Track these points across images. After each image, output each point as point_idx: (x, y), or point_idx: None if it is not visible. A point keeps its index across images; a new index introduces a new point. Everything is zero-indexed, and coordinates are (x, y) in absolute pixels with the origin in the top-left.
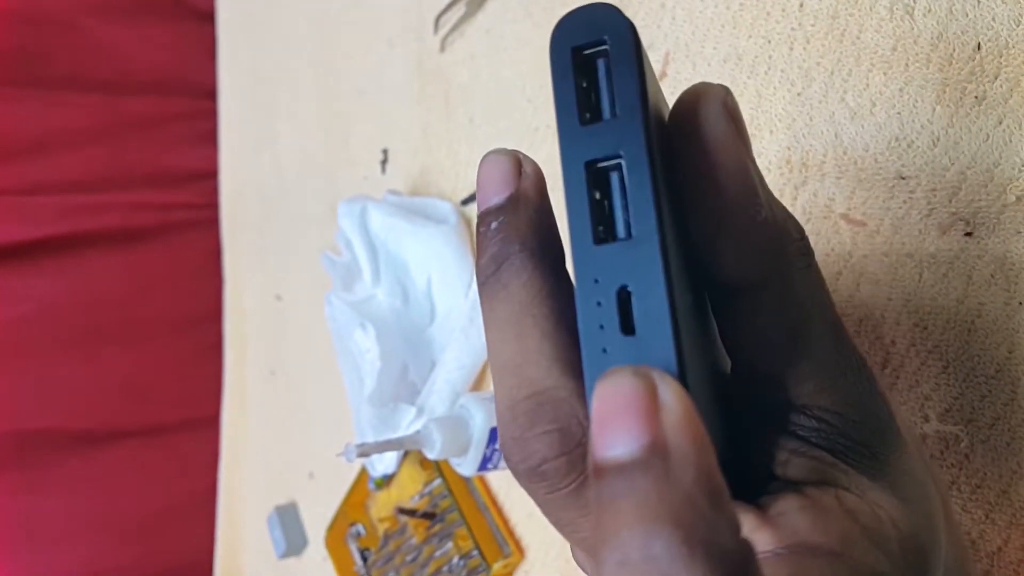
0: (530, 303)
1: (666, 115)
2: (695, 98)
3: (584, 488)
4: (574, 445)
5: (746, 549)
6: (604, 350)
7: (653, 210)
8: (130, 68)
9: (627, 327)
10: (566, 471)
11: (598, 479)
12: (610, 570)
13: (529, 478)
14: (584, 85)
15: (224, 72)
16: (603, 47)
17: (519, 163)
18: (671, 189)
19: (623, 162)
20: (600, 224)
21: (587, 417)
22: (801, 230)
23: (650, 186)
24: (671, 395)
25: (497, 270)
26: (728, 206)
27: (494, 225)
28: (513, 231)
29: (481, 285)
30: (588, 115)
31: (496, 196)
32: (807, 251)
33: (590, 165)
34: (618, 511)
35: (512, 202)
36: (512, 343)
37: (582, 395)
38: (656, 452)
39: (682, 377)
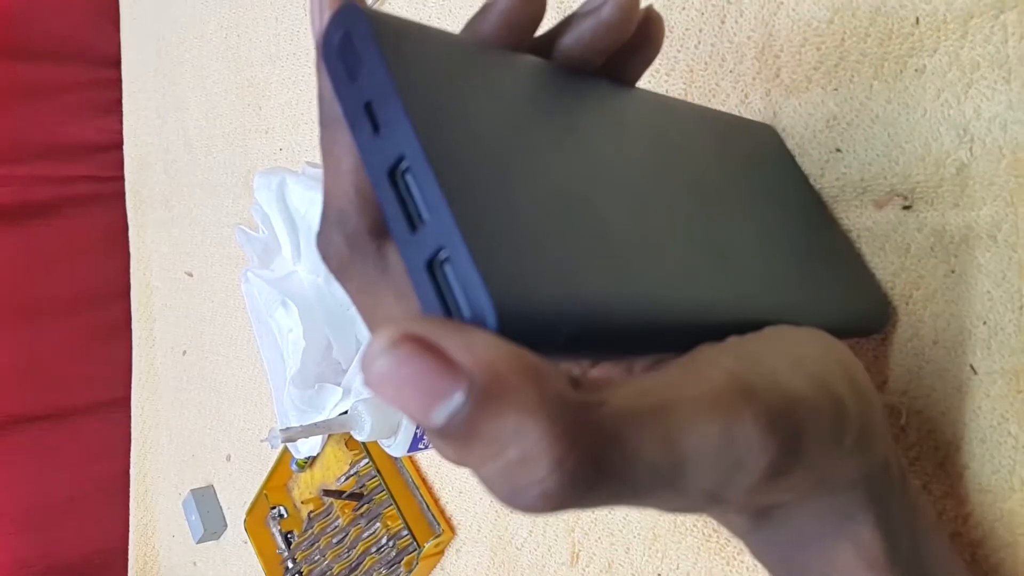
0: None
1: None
2: None
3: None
4: (351, 230)
5: (580, 398)
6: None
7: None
8: (25, 34)
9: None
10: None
11: (435, 437)
12: (491, 469)
13: (337, 274)
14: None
15: (127, 37)
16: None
17: None
18: None
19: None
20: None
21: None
22: None
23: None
24: (459, 343)
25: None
26: None
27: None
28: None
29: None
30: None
31: None
32: None
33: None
34: (482, 441)
35: None
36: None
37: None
38: (476, 396)
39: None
